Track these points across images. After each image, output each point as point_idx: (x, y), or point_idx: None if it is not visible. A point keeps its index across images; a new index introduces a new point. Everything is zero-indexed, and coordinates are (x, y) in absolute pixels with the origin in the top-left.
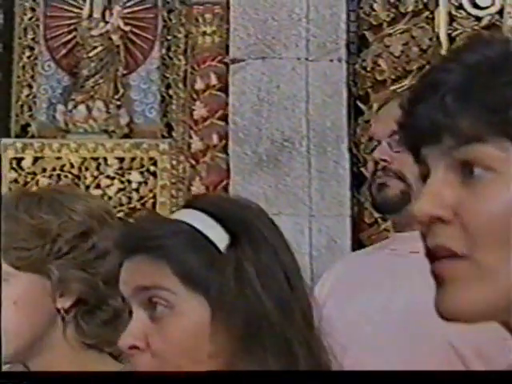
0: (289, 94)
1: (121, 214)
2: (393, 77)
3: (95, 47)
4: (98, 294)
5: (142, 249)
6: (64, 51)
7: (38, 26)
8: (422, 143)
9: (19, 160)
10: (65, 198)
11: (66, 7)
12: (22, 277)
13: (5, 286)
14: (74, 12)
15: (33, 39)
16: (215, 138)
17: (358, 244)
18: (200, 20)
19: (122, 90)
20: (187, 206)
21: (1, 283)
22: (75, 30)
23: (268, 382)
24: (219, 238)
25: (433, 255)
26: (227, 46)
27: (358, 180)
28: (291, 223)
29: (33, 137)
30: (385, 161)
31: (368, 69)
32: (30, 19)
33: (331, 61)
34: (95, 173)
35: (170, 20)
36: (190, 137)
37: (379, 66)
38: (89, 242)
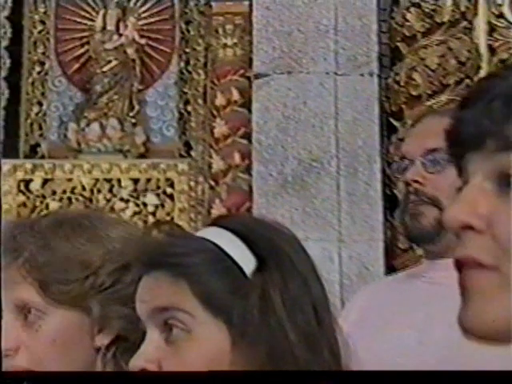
0: (316, 110)
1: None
2: (428, 92)
3: (109, 61)
4: (137, 330)
5: (163, 265)
6: (76, 66)
7: (48, 39)
8: (466, 150)
9: (28, 182)
10: (102, 224)
11: (77, 19)
12: (60, 312)
13: (42, 322)
14: (86, 24)
15: (43, 53)
16: (237, 158)
17: (391, 271)
18: (220, 31)
19: (137, 107)
20: (213, 224)
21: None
22: (88, 43)
23: (269, 382)
24: (246, 260)
25: (460, 265)
26: (250, 59)
27: (390, 202)
28: (319, 249)
29: (43, 157)
30: (417, 182)
31: (402, 83)
32: (40, 32)
33: (362, 75)
34: (108, 195)
35: (189, 32)
36: (210, 156)
37: (414, 80)
38: (129, 275)
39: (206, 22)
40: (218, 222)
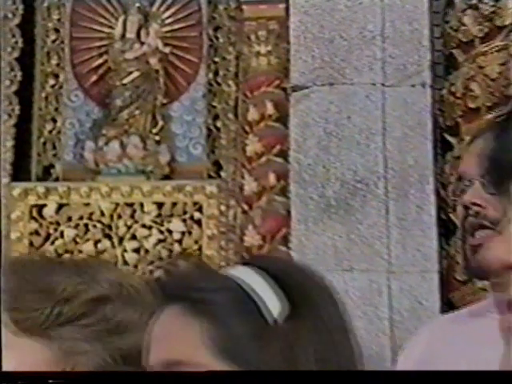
0: (362, 126)
1: (159, 271)
2: (488, 104)
3: (130, 73)
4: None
5: (183, 299)
6: (94, 78)
7: (62, 49)
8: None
9: (40, 207)
10: (89, 265)
11: (95, 27)
12: (23, 344)
13: (5, 355)
14: (104, 32)
15: (57, 65)
16: (272, 179)
17: (448, 306)
18: (253, 38)
19: (161, 123)
20: (247, 263)
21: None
22: (106, 53)
23: (269, 383)
24: (276, 305)
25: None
26: (286, 69)
27: (446, 228)
28: (366, 281)
29: (57, 180)
30: (477, 205)
31: (458, 95)
32: (54, 42)
33: (413, 86)
34: (129, 221)
35: (218, 39)
36: (243, 177)
37: (471, 90)
38: (106, 311)
39: (236, 27)
40: (251, 261)
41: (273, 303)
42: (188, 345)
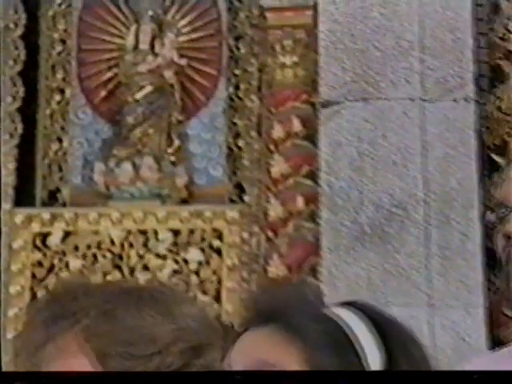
0: (399, 145)
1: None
2: None
3: (143, 87)
4: None
5: (272, 322)
6: (103, 94)
7: (69, 62)
8: None
9: (45, 236)
10: (176, 300)
11: (104, 37)
12: None
13: None
14: (114, 43)
15: (63, 79)
16: (300, 203)
17: (495, 344)
18: (277, 48)
19: (177, 142)
20: (348, 303)
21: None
22: (117, 66)
23: (268, 382)
24: (375, 355)
25: None
26: (314, 82)
27: (492, 258)
28: (405, 316)
29: (64, 205)
30: None
31: (505, 110)
32: (60, 54)
33: (455, 101)
34: (142, 250)
35: (239, 49)
36: (267, 201)
37: None
38: (201, 359)
39: (259, 36)
40: (354, 304)
41: (371, 351)
42: (280, 354)
